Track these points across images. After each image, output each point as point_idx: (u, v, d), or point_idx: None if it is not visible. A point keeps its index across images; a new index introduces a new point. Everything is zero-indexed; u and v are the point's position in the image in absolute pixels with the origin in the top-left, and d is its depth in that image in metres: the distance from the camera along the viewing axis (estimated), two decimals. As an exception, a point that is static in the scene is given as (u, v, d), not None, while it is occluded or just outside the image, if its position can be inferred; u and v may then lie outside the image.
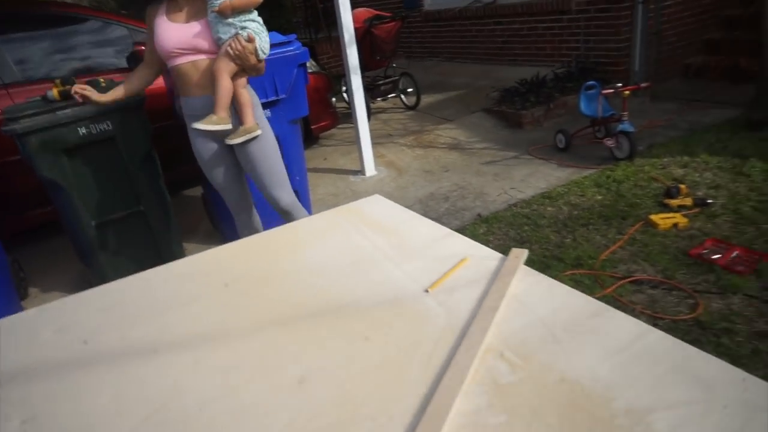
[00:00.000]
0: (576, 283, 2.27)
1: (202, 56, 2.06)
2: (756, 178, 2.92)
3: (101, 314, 1.13)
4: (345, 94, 5.83)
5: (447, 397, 0.77)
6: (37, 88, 3.34)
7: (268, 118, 2.88)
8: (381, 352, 0.89)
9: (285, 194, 2.36)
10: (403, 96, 5.64)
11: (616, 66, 4.99)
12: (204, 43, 2.03)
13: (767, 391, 0.71)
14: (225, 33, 1.99)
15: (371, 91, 5.34)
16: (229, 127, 2.09)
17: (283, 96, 2.87)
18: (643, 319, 2.01)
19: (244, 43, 1.98)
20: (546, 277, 1.05)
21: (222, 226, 3.32)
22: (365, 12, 5.32)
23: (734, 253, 2.30)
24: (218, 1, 1.95)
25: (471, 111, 5.04)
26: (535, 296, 0.99)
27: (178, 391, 0.86)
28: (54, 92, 2.49)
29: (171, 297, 1.16)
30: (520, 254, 1.13)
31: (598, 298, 2.04)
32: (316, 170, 4.25)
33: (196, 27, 2.02)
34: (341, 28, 3.72)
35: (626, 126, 3.42)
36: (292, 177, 3.07)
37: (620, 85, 3.46)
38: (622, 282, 2.24)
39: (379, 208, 1.47)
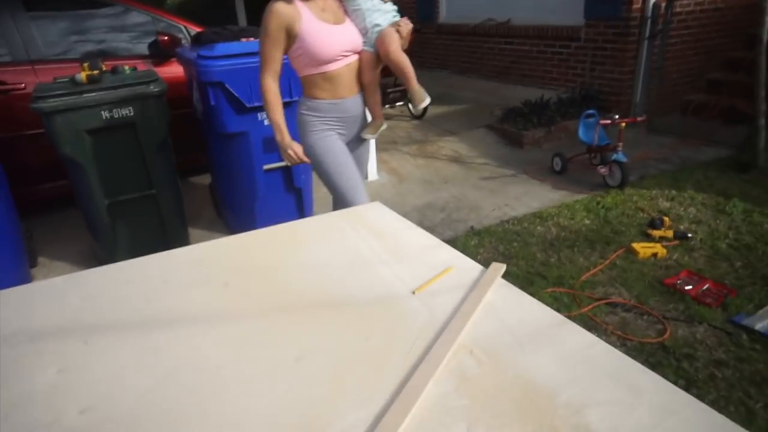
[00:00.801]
0: (555, 300, 2.42)
1: (356, 56, 2.05)
2: (736, 218, 3.08)
3: (124, 287, 1.28)
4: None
5: (420, 382, 0.91)
6: (59, 67, 3.50)
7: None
8: (369, 342, 1.04)
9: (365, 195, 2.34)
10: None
11: (618, 96, 5.16)
12: (360, 43, 2.03)
13: (685, 399, 0.86)
14: (384, 20, 2.03)
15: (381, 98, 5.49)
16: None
17: (297, 98, 3.00)
18: (614, 339, 2.16)
19: (409, 26, 2.06)
20: (518, 290, 1.20)
21: (226, 214, 3.46)
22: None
23: (705, 286, 2.45)
24: None
25: (475, 126, 5.20)
26: (507, 306, 1.14)
27: (190, 359, 1.01)
28: (82, 75, 2.63)
29: (188, 277, 1.31)
30: (499, 268, 1.28)
31: (574, 317, 2.20)
32: (320, 170, 4.39)
33: (350, 26, 2.01)
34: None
35: (620, 156, 3.58)
36: (297, 175, 3.23)
37: (617, 116, 3.62)
38: (597, 303, 2.39)
39: (377, 215, 1.61)
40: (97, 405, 0.91)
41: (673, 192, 3.50)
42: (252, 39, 3.03)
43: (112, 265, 1.39)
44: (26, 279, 2.85)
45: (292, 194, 3.26)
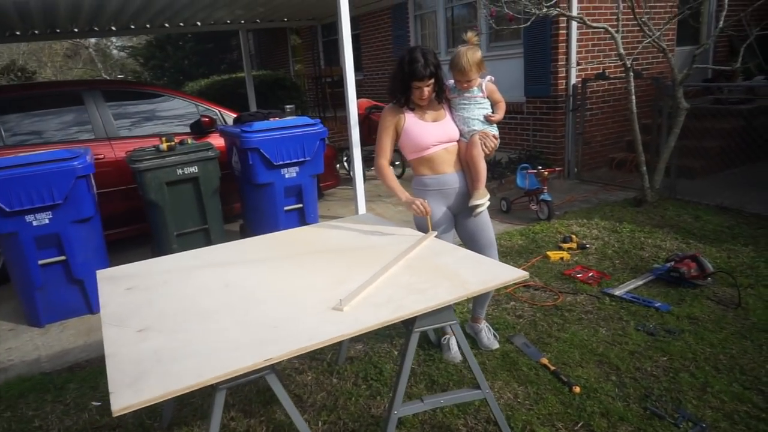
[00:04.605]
0: (490, 286, 3.56)
1: (453, 143, 2.59)
2: (624, 235, 4.31)
3: (226, 248, 2.43)
4: (345, 163, 7.30)
5: (387, 268, 2.07)
6: (127, 142, 4.72)
7: (298, 174, 4.29)
8: (362, 261, 2.20)
9: (497, 255, 2.72)
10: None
11: (555, 156, 6.53)
12: (456, 135, 2.58)
13: (504, 266, 2.02)
14: (481, 127, 2.56)
15: (367, 161, 6.80)
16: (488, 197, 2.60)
17: (309, 158, 4.26)
18: (525, 305, 3.30)
19: (495, 142, 2.56)
20: (439, 239, 2.38)
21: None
22: (366, 102, 6.90)
23: (590, 274, 3.63)
24: (483, 109, 2.57)
25: (443, 182, 6.47)
26: (433, 245, 2.32)
27: (265, 270, 2.16)
28: (164, 146, 3.86)
29: (260, 244, 2.47)
30: (432, 233, 2.46)
31: (502, 294, 3.31)
32: (321, 217, 5.58)
33: (448, 123, 2.57)
34: (348, 115, 5.14)
35: (546, 196, 4.84)
36: (308, 214, 4.42)
37: (541, 167, 4.91)
38: (517, 285, 3.54)
39: (369, 217, 2.81)
40: (232, 282, 2.06)
41: (585, 221, 4.74)
42: (277, 119, 4.32)
43: (214, 246, 2.55)
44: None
45: (304, 228, 4.42)
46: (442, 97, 2.60)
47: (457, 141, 2.60)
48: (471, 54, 2.48)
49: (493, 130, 2.60)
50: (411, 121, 2.54)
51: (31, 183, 3.32)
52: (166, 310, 1.85)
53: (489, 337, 2.85)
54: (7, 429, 2.49)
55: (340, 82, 11.03)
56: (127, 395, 1.36)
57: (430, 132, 2.54)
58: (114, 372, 1.47)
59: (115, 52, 25.17)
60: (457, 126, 2.60)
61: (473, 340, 2.88)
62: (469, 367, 2.66)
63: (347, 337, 1.62)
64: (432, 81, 2.45)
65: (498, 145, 2.61)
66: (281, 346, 1.55)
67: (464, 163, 2.62)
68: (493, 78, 2.64)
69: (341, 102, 10.67)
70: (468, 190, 2.63)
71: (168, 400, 1.73)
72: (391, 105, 2.59)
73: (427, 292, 1.84)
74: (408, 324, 1.92)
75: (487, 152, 2.55)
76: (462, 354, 2.67)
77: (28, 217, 3.38)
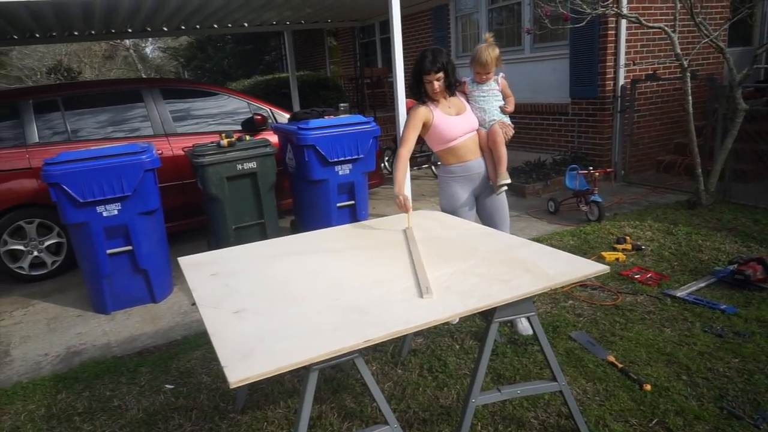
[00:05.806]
0: (546, 285, 3.55)
1: (474, 133, 2.89)
2: (680, 237, 4.24)
3: (293, 240, 2.50)
4: (387, 163, 7.35)
5: (420, 262, 2.10)
6: (183, 139, 4.86)
7: (351, 171, 4.35)
8: (434, 253, 2.24)
9: (509, 230, 2.97)
10: (433, 167, 7.13)
11: (601, 157, 6.45)
12: (476, 124, 2.89)
13: (572, 257, 2.03)
14: (499, 117, 2.90)
15: (411, 161, 6.85)
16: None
17: (362, 156, 4.32)
18: (585, 305, 3.28)
19: (512, 131, 2.95)
20: (515, 236, 2.40)
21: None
22: (409, 102, 6.91)
23: (648, 275, 3.58)
24: (499, 101, 2.91)
25: (486, 182, 6.47)
26: (509, 241, 2.34)
27: (328, 261, 2.21)
28: (225, 141, 3.97)
29: (319, 237, 2.53)
30: (409, 228, 2.48)
31: (558, 292, 3.32)
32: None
33: (470, 115, 2.87)
34: (398, 115, 5.21)
35: (597, 197, 4.79)
36: (359, 211, 4.47)
37: (591, 168, 4.87)
38: (574, 285, 3.52)
39: (429, 212, 2.85)
40: (318, 270, 2.11)
41: (637, 222, 4.67)
42: (332, 117, 4.40)
43: (288, 236, 2.62)
44: (171, 280, 4.04)
45: (355, 225, 4.48)
46: (454, 91, 2.87)
47: (476, 130, 2.91)
48: (491, 50, 2.84)
49: (507, 120, 2.97)
50: (439, 116, 2.81)
51: (103, 175, 3.46)
52: (256, 294, 1.92)
53: (524, 323, 2.94)
54: (88, 407, 2.60)
55: (378, 83, 11.16)
56: (240, 369, 1.42)
57: (457, 125, 2.83)
58: (222, 349, 1.54)
59: (149, 52, 25.85)
60: (477, 116, 2.91)
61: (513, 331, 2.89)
62: (534, 361, 2.68)
63: (440, 322, 1.66)
64: (440, 75, 2.73)
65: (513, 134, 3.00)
66: (378, 328, 1.60)
67: (486, 149, 2.93)
68: (504, 75, 3.00)
69: (379, 102, 10.77)
70: (488, 173, 2.96)
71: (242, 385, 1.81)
72: (417, 103, 2.87)
73: (511, 283, 1.86)
74: (487, 315, 1.95)
75: (507, 139, 2.91)
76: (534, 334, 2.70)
77: (99, 208, 3.53)
